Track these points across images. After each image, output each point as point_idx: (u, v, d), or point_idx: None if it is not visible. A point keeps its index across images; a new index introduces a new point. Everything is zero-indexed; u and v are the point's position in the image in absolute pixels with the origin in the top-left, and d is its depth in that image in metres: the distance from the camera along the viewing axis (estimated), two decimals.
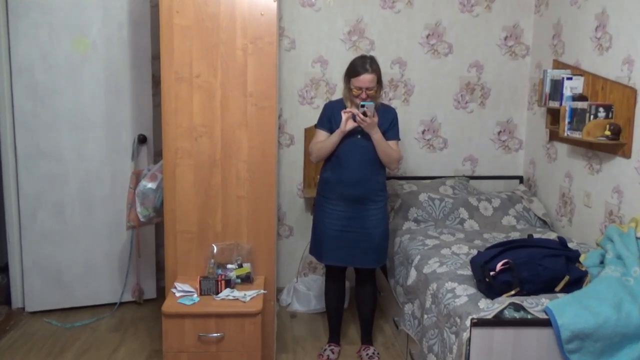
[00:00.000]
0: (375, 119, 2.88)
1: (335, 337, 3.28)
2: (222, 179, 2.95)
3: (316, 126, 3.11)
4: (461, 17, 3.97)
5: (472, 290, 2.47)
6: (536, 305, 2.23)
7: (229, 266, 2.92)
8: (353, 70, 2.91)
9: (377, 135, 2.92)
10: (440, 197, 3.70)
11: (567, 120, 3.14)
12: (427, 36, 3.98)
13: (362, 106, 2.85)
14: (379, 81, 2.95)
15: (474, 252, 2.90)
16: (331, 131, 3.00)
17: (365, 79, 2.88)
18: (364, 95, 2.89)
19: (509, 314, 2.22)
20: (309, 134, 3.92)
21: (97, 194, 3.65)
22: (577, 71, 3.33)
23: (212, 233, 2.98)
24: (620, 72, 2.96)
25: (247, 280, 2.92)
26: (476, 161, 4.15)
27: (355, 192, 2.97)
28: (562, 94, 3.26)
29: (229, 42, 2.86)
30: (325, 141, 2.98)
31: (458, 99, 4.06)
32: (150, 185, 3.12)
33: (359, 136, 2.95)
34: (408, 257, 3.16)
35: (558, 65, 3.57)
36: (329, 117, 3.02)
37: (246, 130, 2.93)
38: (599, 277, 2.38)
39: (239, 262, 2.93)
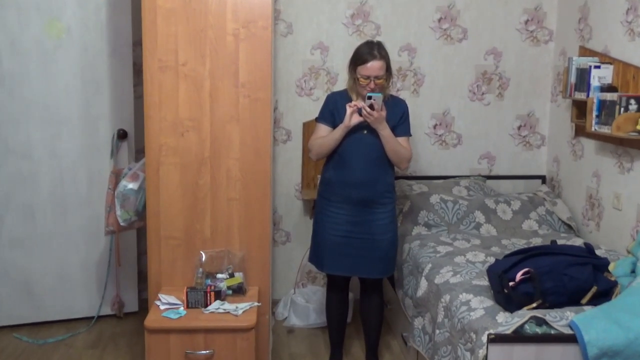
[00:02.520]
0: (383, 113, 2.88)
1: (337, 354, 3.30)
2: (211, 179, 2.96)
3: (317, 120, 3.12)
4: None
5: (489, 302, 2.48)
6: (560, 319, 2.24)
7: (219, 276, 2.93)
8: (359, 58, 2.91)
9: (385, 132, 2.92)
10: (454, 199, 3.71)
11: (594, 114, 3.14)
12: (439, 20, 3.98)
13: (369, 98, 2.85)
14: (388, 69, 2.95)
15: (492, 260, 2.91)
16: (334, 126, 3.00)
17: (374, 66, 2.88)
18: (372, 85, 2.90)
19: (530, 328, 2.23)
20: (308, 128, 3.93)
21: (72, 196, 3.66)
22: (605, 59, 3.34)
23: (200, 239, 2.99)
24: None
25: (239, 291, 2.93)
26: (494, 159, 4.16)
27: (360, 194, 2.98)
28: (589, 85, 3.26)
29: (219, 26, 2.87)
30: (326, 137, 2.99)
31: (473, 89, 4.07)
32: (132, 185, 3.13)
33: (365, 132, 2.96)
34: (418, 265, 3.17)
35: (585, 52, 3.58)
36: (332, 110, 3.02)
37: (238, 124, 2.94)
38: (630, 288, 2.39)
39: (230, 272, 2.94)
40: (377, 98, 2.84)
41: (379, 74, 2.89)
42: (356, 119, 2.91)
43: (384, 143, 2.94)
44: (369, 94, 2.85)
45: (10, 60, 3.47)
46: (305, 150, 3.94)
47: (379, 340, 3.28)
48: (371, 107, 2.84)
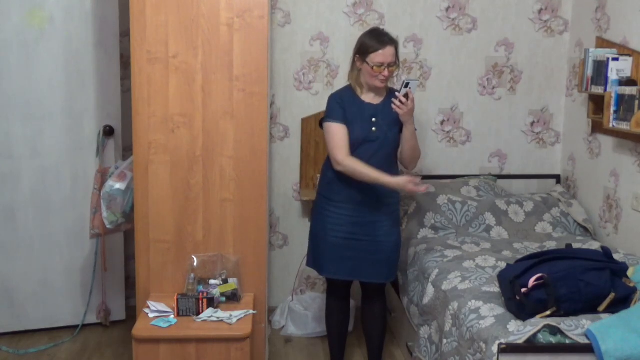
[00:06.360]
0: (414, 105, 2.90)
1: None
2: (203, 179, 2.96)
3: (327, 120, 2.98)
4: None
5: (499, 310, 2.49)
6: (576, 327, 2.25)
7: (212, 282, 2.93)
8: (371, 46, 2.91)
9: (412, 127, 2.96)
10: (463, 200, 3.71)
11: (612, 109, 3.15)
12: (447, 9, 3.99)
13: (406, 85, 2.83)
14: (398, 56, 2.97)
15: (503, 265, 2.91)
16: (347, 122, 2.97)
17: (388, 52, 2.90)
18: (386, 73, 2.91)
19: (544, 338, 2.23)
20: (306, 125, 3.93)
21: (55, 197, 3.66)
22: (624, 50, 3.34)
23: (192, 243, 2.99)
24: None
25: (233, 298, 2.93)
26: (505, 157, 4.16)
27: (365, 193, 2.98)
28: (606, 78, 3.26)
29: (212, 15, 2.87)
30: (369, 172, 2.86)
31: (484, 83, 4.08)
32: (119, 185, 3.13)
33: (374, 129, 2.96)
34: (424, 271, 3.17)
35: (602, 43, 3.58)
36: (342, 108, 2.96)
37: (232, 120, 2.94)
38: None
39: (223, 277, 2.95)
40: (414, 85, 2.82)
41: (392, 60, 2.91)
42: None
43: (406, 139, 2.96)
44: (406, 80, 2.84)
45: None
46: (304, 148, 3.95)
47: (382, 351, 3.29)
48: (406, 96, 2.83)
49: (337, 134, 2.93)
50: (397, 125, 2.98)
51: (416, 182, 2.85)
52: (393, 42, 2.93)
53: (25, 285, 3.68)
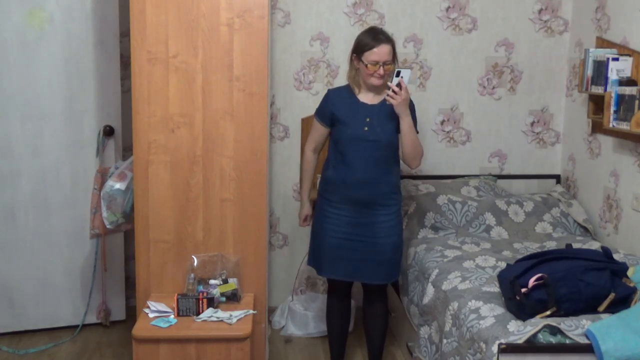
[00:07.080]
0: (408, 95, 2.88)
1: None
2: (203, 179, 2.96)
3: (315, 114, 3.13)
4: None
5: (499, 310, 2.49)
6: (576, 327, 2.25)
7: (212, 282, 2.93)
8: (366, 44, 2.91)
9: (408, 118, 2.92)
10: (463, 200, 3.71)
11: (612, 109, 3.15)
12: (447, 9, 3.99)
13: (397, 74, 2.81)
14: (395, 54, 2.97)
15: (503, 265, 2.91)
16: (331, 125, 3.01)
17: (383, 50, 2.89)
18: (381, 72, 2.90)
19: (544, 338, 2.23)
20: (306, 125, 3.93)
21: (55, 197, 3.66)
22: (624, 50, 3.34)
23: (192, 243, 3.00)
24: None
25: (233, 298, 2.93)
26: (505, 157, 4.16)
27: (361, 195, 2.98)
28: (606, 78, 3.27)
29: (212, 15, 2.87)
30: (305, 175, 3.21)
31: (484, 83, 4.08)
32: (119, 185, 3.13)
33: (367, 129, 2.96)
34: (424, 271, 3.17)
35: (602, 43, 3.58)
36: (331, 110, 3.02)
37: (232, 120, 2.94)
38: None
39: (223, 277, 2.95)
40: (406, 74, 2.81)
41: (388, 58, 2.90)
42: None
43: (404, 134, 2.94)
44: (398, 69, 2.83)
45: None
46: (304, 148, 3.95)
47: (382, 351, 3.29)
48: (399, 85, 2.82)
49: (317, 130, 3.14)
50: (394, 124, 2.97)
51: (305, 221, 3.29)
52: (389, 41, 2.92)
53: (25, 285, 3.68)
